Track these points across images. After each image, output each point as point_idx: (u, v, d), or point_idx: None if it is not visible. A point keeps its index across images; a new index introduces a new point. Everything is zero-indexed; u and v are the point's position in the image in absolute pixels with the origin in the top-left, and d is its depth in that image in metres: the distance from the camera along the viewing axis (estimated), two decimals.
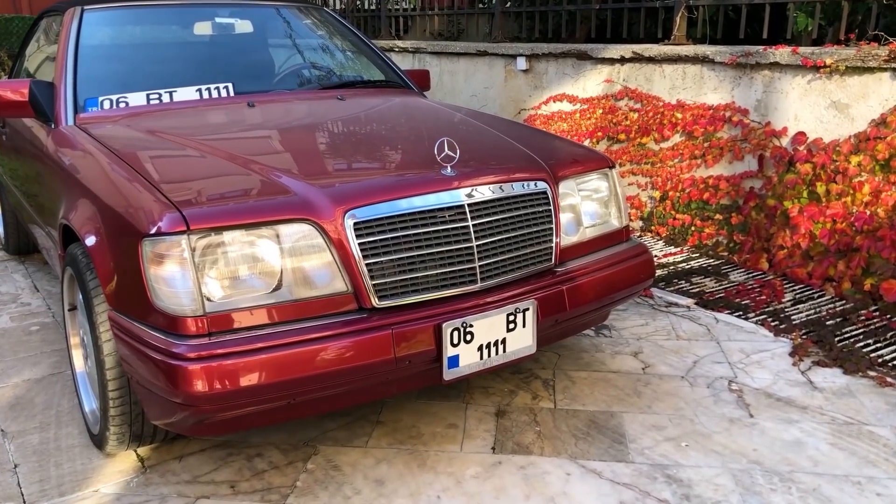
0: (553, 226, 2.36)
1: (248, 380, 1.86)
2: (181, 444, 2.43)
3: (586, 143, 5.27)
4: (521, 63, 5.69)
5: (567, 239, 2.46)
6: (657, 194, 4.85)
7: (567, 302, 2.32)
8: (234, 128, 2.67)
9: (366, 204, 2.02)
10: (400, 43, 7.13)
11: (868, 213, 3.70)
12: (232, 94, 2.97)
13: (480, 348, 2.13)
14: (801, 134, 4.08)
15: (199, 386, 1.83)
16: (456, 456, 2.35)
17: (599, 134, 5.17)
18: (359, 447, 2.41)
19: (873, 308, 3.45)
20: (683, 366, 2.95)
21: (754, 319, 3.41)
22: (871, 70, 3.76)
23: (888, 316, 3.37)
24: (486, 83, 6.14)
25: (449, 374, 2.09)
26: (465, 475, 2.25)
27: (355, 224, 2.00)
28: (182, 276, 1.87)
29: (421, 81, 3.71)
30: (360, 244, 2.00)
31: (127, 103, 2.84)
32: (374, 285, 2.02)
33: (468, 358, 2.12)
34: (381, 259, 2.02)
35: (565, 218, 2.47)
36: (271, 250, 1.96)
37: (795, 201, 3.99)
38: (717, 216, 4.48)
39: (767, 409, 2.60)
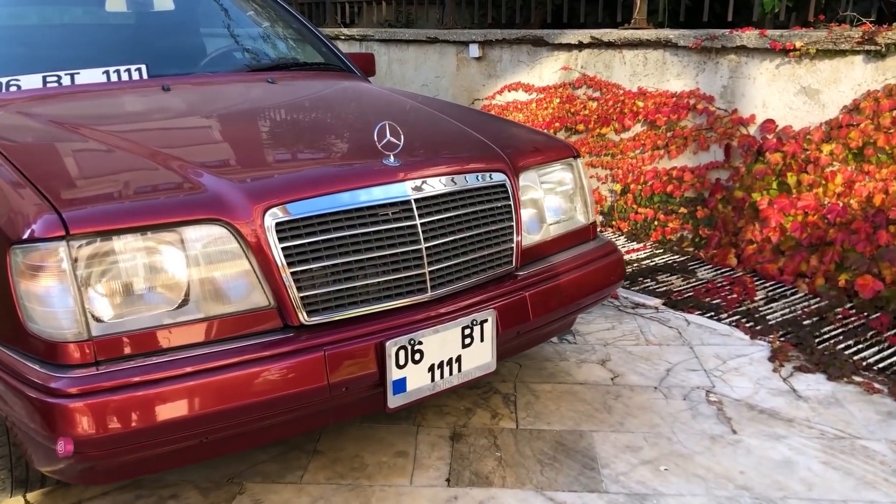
0: (514, 223, 2.06)
1: (146, 418, 1.52)
2: (80, 486, 2.05)
3: None
4: (474, 50, 5.38)
5: (529, 238, 2.16)
6: (618, 187, 4.60)
7: (531, 310, 2.02)
8: (141, 114, 2.30)
9: (289, 200, 1.68)
10: (346, 31, 6.76)
11: (841, 204, 3.49)
12: (145, 76, 2.59)
13: (432, 369, 1.82)
14: (770, 121, 3.87)
15: (83, 428, 1.48)
16: (405, 491, 2.03)
17: (557, 124, 4.90)
18: (292, 483, 2.07)
19: (849, 305, 3.24)
20: (656, 374, 2.69)
21: (727, 320, 3.17)
22: (842, 53, 3.55)
23: (865, 314, 3.17)
24: (438, 72, 5.82)
25: (394, 402, 1.77)
26: None
27: (277, 225, 1.66)
28: (61, 291, 1.52)
29: (365, 66, 3.37)
30: (283, 249, 1.66)
31: (19, 86, 2.44)
32: (301, 298, 1.68)
33: (417, 380, 1.80)
34: (310, 267, 1.69)
35: (527, 214, 2.17)
36: (174, 258, 1.61)
37: (764, 193, 3.78)
38: (682, 210, 4.25)
39: (751, 423, 2.35)
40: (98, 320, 1.54)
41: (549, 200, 2.26)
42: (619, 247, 4.26)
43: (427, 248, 1.83)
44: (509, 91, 5.25)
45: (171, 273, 1.61)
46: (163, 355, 1.58)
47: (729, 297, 3.42)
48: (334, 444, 2.26)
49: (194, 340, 1.62)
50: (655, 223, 4.34)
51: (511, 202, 2.06)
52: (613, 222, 4.58)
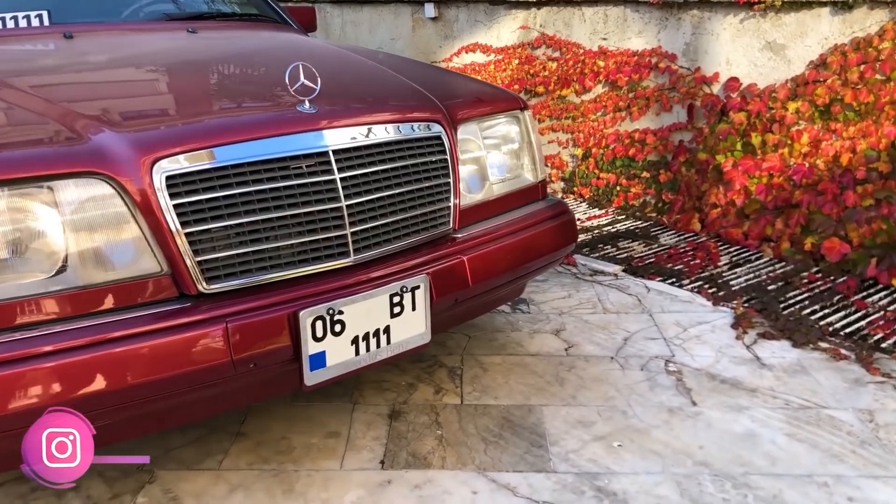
0: (451, 181, 1.86)
1: (15, 401, 1.30)
2: None
3: None
4: (430, 10, 5.13)
5: (469, 197, 1.96)
6: (579, 152, 4.41)
7: (469, 276, 1.83)
8: (33, 62, 2.04)
9: (182, 151, 1.46)
10: None
11: (807, 165, 3.35)
12: (46, 23, 2.32)
13: (356, 341, 1.62)
14: (734, 80, 3.70)
15: None
16: (334, 476, 1.84)
17: (516, 87, 4.68)
18: (210, 470, 1.87)
19: (815, 270, 3.10)
20: (613, 344, 2.52)
21: (689, 287, 3.01)
22: (809, 5, 3.38)
23: (832, 278, 3.03)
24: (393, 34, 5.56)
25: (312, 378, 1.58)
26: (344, 502, 1.74)
27: (168, 179, 1.44)
28: None
29: (304, 19, 3.12)
30: (175, 207, 1.44)
31: None
32: (199, 264, 1.47)
33: (339, 354, 1.61)
34: (208, 227, 1.47)
35: (466, 171, 1.97)
36: (47, 218, 1.39)
37: (728, 154, 3.62)
38: (644, 174, 4.08)
39: (712, 393, 2.20)
40: None
41: (493, 157, 2.06)
42: (581, 214, 4.11)
43: (349, 207, 1.62)
44: (467, 53, 5.02)
45: (43, 236, 1.39)
46: (35, 329, 1.36)
47: (692, 262, 3.27)
48: (260, 426, 2.06)
49: (74, 313, 1.40)
50: (618, 188, 4.18)
51: (448, 157, 1.85)
52: (575, 188, 4.41)
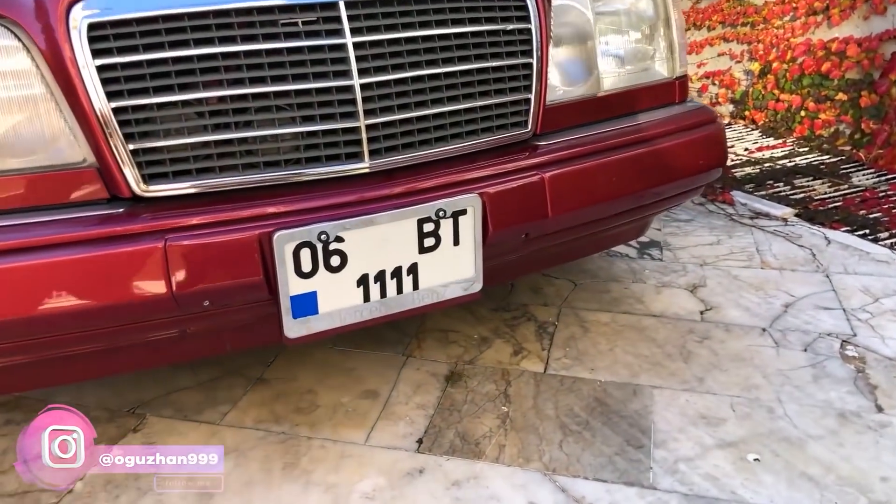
0: (533, 61, 1.28)
1: None
2: None
3: None
4: None
5: (563, 91, 1.38)
6: (756, 67, 3.58)
7: (550, 202, 1.27)
8: None
9: None
10: None
11: None
12: None
13: (364, 281, 1.13)
14: None
15: None
16: (353, 452, 1.40)
17: None
18: (208, 423, 1.50)
19: None
20: (767, 311, 1.87)
21: (888, 242, 2.25)
22: None
23: None
24: None
25: (295, 328, 1.11)
26: (352, 495, 1.30)
27: (91, 28, 0.99)
28: None
29: None
30: (100, 69, 1.00)
31: None
32: (134, 153, 1.03)
33: (337, 298, 1.13)
34: (147, 102, 1.02)
35: (563, 53, 1.38)
36: None
37: None
38: (840, 96, 3.21)
39: None
40: None
41: (608, 36, 1.45)
42: (750, 143, 3.33)
43: (363, 86, 1.11)
44: None
45: None
46: None
47: (894, 211, 2.47)
48: (287, 372, 1.66)
49: None
50: (802, 113, 3.34)
51: (532, 25, 1.27)
52: (747, 112, 3.60)
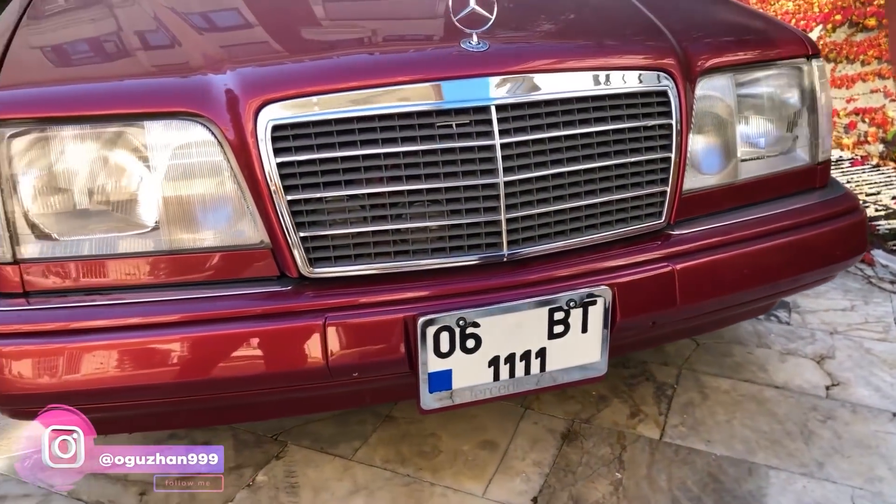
0: (672, 155, 1.33)
1: (80, 373, 1.13)
2: None
3: (816, 30, 3.82)
4: None
5: (699, 178, 1.41)
6: None
7: (678, 292, 1.31)
8: None
9: (296, 95, 1.14)
10: None
11: None
12: None
13: (495, 363, 1.23)
14: None
15: (9, 376, 1.13)
16: (472, 503, 1.50)
17: (838, 17, 3.70)
18: (341, 458, 1.64)
19: None
20: None
21: None
22: None
23: None
24: None
25: (431, 401, 1.22)
26: None
27: (274, 129, 1.14)
28: None
29: None
30: (279, 165, 1.14)
31: None
32: (303, 239, 1.17)
33: (470, 376, 1.23)
34: (319, 195, 1.15)
35: (701, 142, 1.41)
36: (131, 164, 1.17)
37: None
38: None
39: None
40: (32, 237, 1.17)
41: (749, 120, 1.47)
42: None
43: (506, 183, 1.19)
44: None
45: (125, 183, 1.17)
46: (103, 296, 1.17)
47: None
48: (413, 413, 1.78)
49: (155, 281, 1.18)
50: None
51: (674, 122, 1.32)
52: None
